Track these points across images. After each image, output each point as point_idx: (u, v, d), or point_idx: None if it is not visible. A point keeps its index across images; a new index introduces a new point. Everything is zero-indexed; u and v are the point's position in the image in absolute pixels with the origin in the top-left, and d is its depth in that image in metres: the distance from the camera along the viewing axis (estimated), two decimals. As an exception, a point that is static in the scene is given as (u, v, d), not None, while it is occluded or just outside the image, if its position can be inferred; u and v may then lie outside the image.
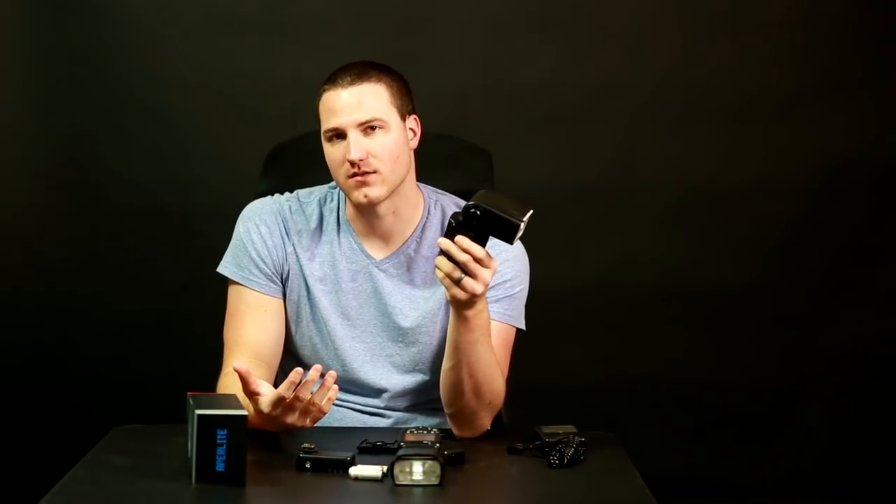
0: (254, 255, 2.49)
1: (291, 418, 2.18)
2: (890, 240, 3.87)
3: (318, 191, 2.57)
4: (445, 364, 2.38)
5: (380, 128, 2.41)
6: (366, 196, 2.41)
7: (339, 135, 2.41)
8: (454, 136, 2.78)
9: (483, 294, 2.24)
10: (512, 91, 3.80)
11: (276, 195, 2.57)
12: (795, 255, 3.88)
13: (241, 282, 2.49)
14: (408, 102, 2.47)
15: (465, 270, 2.19)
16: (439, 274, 2.21)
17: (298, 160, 2.76)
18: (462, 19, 3.79)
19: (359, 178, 2.40)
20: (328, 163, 2.45)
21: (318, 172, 2.61)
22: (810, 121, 3.84)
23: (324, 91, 2.44)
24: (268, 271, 2.49)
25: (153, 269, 3.80)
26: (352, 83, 2.42)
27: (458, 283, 2.20)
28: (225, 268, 2.52)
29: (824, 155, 3.85)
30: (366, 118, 2.40)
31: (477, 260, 2.19)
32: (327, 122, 2.43)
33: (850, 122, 3.85)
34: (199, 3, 3.77)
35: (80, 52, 3.74)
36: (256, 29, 3.76)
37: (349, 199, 2.45)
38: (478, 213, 2.18)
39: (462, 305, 2.26)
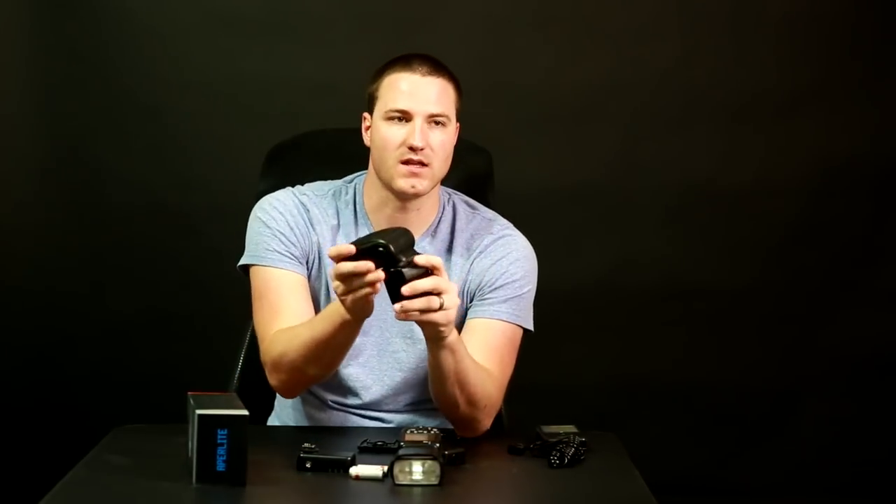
0: (283, 239, 2.45)
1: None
2: (890, 240, 3.87)
3: (331, 185, 2.54)
4: (434, 388, 2.36)
5: (443, 125, 2.42)
6: (413, 187, 2.40)
7: (403, 117, 2.41)
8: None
9: None
10: (512, 91, 3.80)
11: (288, 188, 2.53)
12: (795, 255, 3.88)
13: (272, 264, 2.44)
14: (460, 109, 2.48)
15: (437, 293, 2.15)
16: (416, 315, 2.15)
17: (298, 160, 2.76)
18: (462, 19, 3.79)
19: (413, 166, 2.39)
20: (380, 142, 2.41)
21: (318, 172, 2.61)
22: (810, 121, 3.84)
23: (392, 71, 2.43)
24: (297, 253, 2.45)
25: (153, 269, 3.80)
26: (430, 73, 2.43)
27: (440, 308, 2.16)
28: (254, 258, 2.46)
29: (824, 155, 3.85)
30: (437, 111, 2.41)
31: (438, 270, 2.16)
32: (395, 102, 2.41)
33: (850, 122, 3.85)
34: (199, 3, 3.77)
35: (80, 52, 3.74)
36: (256, 29, 3.76)
37: (391, 183, 2.41)
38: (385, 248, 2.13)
39: (444, 335, 2.23)
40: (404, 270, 2.13)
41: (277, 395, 2.65)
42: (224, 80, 3.77)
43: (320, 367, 2.36)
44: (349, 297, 2.18)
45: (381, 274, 2.13)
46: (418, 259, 2.15)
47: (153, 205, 3.78)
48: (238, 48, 3.76)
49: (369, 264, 2.12)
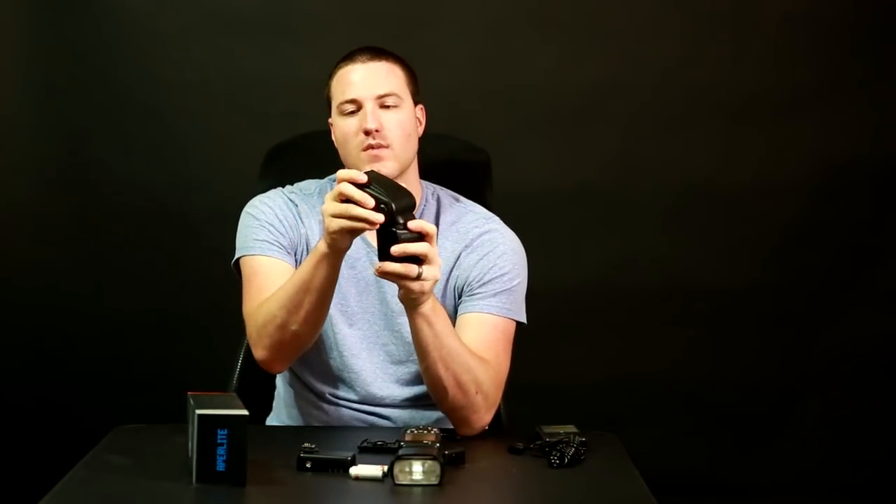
0: (271, 229, 2.47)
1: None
2: (890, 240, 3.87)
3: (317, 183, 2.58)
4: (420, 367, 2.37)
5: (395, 105, 2.45)
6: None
7: (355, 107, 2.44)
8: (454, 136, 2.78)
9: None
10: (512, 91, 3.80)
11: (277, 188, 2.57)
12: (795, 255, 3.88)
13: (260, 252, 2.46)
14: (417, 90, 2.52)
15: (422, 261, 2.18)
16: (393, 277, 2.19)
17: (298, 160, 2.76)
18: (462, 19, 3.79)
19: (373, 151, 2.42)
20: (339, 136, 2.47)
21: (317, 173, 2.61)
22: (810, 121, 3.84)
23: (339, 68, 2.49)
24: (285, 243, 2.47)
25: (153, 269, 3.80)
26: (371, 59, 2.47)
27: (417, 278, 2.19)
28: (243, 250, 2.48)
29: (824, 155, 3.85)
30: (384, 91, 2.45)
31: (430, 238, 2.18)
32: (343, 94, 2.46)
33: (849, 122, 3.85)
34: (199, 3, 3.78)
35: (80, 52, 3.74)
36: (256, 29, 3.76)
37: None
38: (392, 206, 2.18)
39: (417, 303, 2.25)
40: (399, 232, 2.16)
41: (276, 394, 2.65)
42: (224, 80, 3.77)
43: (300, 318, 2.33)
44: (336, 223, 2.19)
45: (377, 216, 2.16)
46: (411, 224, 2.17)
47: (153, 205, 3.78)
48: (238, 48, 3.76)
49: (371, 200, 2.16)
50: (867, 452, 3.93)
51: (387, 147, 2.43)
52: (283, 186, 2.60)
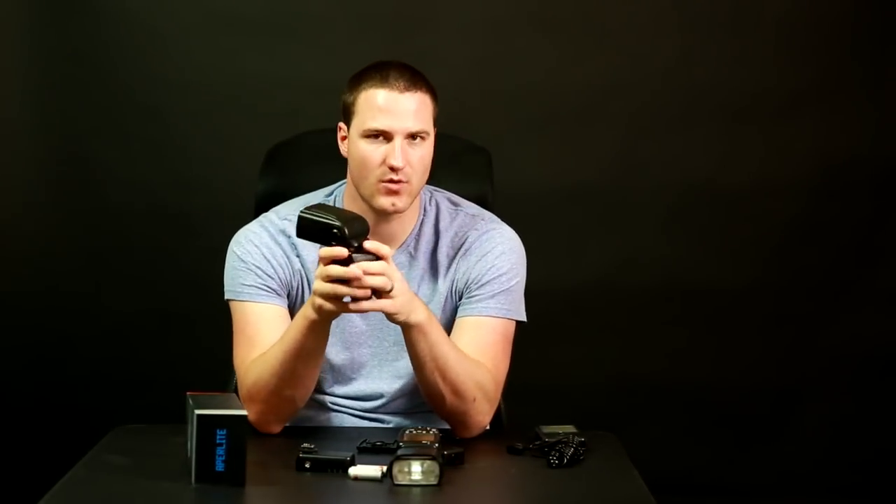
0: (258, 272, 2.43)
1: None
2: (890, 240, 3.87)
3: (312, 199, 2.52)
4: (417, 379, 2.37)
5: (422, 139, 2.40)
6: (393, 205, 2.38)
7: (382, 135, 2.38)
8: (454, 136, 2.78)
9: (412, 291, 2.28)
10: (512, 91, 3.80)
11: (270, 214, 2.50)
12: (795, 255, 3.88)
13: (249, 299, 2.43)
14: (437, 115, 2.46)
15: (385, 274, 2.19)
16: (367, 304, 2.20)
17: (298, 159, 2.76)
18: (462, 19, 3.79)
19: (392, 185, 2.37)
20: (359, 160, 2.39)
21: (317, 172, 2.61)
22: (810, 121, 3.84)
23: (370, 85, 2.39)
24: (275, 286, 2.43)
25: (153, 269, 3.80)
26: (407, 89, 2.38)
27: (389, 293, 2.20)
28: (231, 293, 2.45)
29: (824, 155, 3.85)
30: (417, 129, 2.38)
31: (386, 258, 2.20)
32: (374, 121, 2.37)
33: (850, 122, 3.85)
34: (199, 3, 3.77)
35: (80, 52, 3.74)
36: (256, 29, 3.76)
37: (371, 201, 2.39)
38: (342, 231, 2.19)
39: (403, 317, 2.26)
40: (355, 255, 2.17)
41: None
42: (224, 80, 3.77)
43: (294, 383, 2.34)
44: (327, 305, 2.20)
45: (365, 293, 2.19)
46: (367, 245, 2.18)
47: (153, 205, 3.78)
48: (238, 48, 3.76)
49: (359, 272, 2.17)
50: (867, 452, 3.93)
51: (406, 183, 2.38)
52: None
